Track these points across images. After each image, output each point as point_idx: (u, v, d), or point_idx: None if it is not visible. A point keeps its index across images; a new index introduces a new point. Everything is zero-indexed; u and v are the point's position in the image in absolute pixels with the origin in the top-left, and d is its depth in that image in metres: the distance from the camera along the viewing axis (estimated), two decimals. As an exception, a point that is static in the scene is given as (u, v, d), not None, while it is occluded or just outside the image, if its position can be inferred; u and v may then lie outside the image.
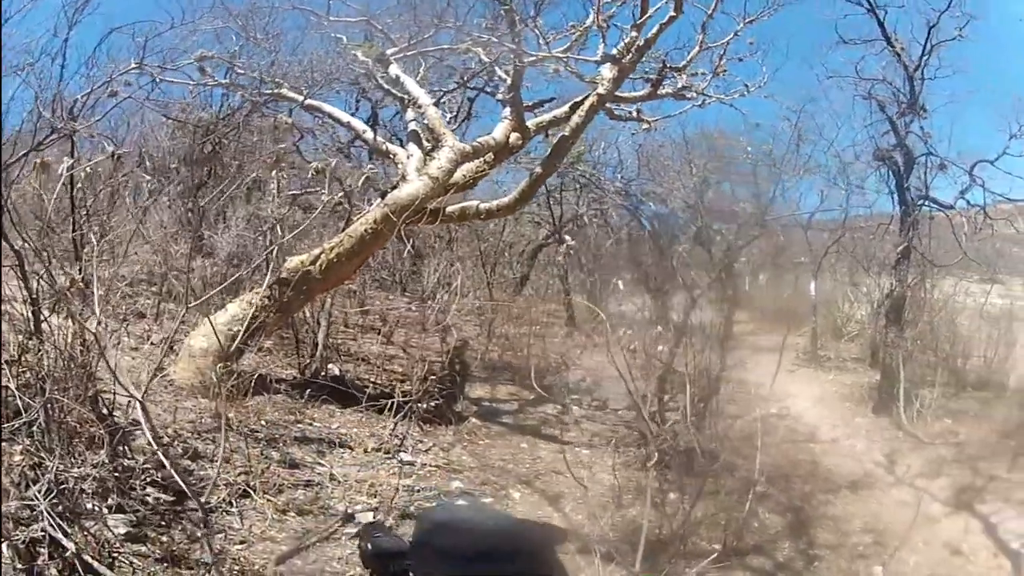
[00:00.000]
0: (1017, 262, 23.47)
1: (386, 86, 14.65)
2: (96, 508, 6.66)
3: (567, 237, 18.99)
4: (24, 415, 6.56)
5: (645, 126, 14.91)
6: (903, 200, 17.51)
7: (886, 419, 15.44)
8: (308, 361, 12.63)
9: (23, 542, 5.66)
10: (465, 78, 15.06)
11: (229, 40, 15.40)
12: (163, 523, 7.18)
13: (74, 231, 10.55)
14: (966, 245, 18.41)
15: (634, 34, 11.08)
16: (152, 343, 11.14)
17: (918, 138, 17.85)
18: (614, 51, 11.40)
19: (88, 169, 11.09)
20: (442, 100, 15.21)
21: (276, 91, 15.22)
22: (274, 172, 13.57)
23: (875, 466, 13.37)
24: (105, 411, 7.44)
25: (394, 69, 14.26)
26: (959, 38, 17.17)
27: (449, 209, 12.32)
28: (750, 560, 9.88)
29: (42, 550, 5.71)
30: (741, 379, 15.14)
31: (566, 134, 11.83)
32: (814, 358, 20.02)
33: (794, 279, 25.38)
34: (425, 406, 11.50)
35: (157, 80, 14.33)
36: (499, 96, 13.38)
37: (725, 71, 12.91)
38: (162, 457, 7.06)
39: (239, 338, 10.72)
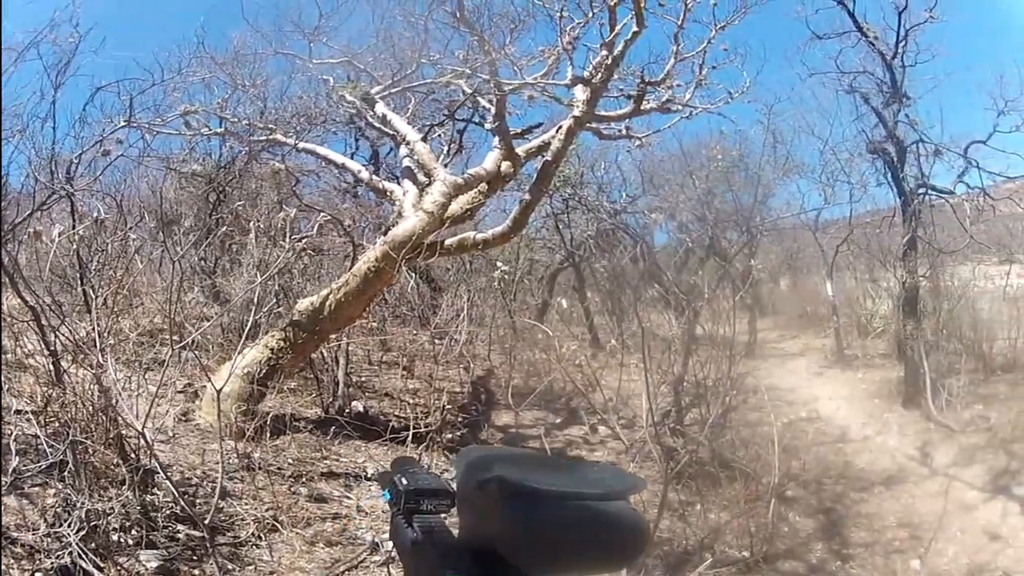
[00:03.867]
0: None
1: (376, 125, 15.05)
2: (125, 543, 7.01)
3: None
4: (49, 459, 6.96)
5: (637, 143, 15.06)
6: (901, 191, 17.47)
7: (916, 412, 15.48)
8: (331, 399, 12.85)
9: (52, 570, 6.03)
10: (451, 111, 15.37)
11: (218, 89, 15.87)
12: (195, 558, 7.50)
13: (83, 285, 10.88)
14: (971, 228, 18.33)
15: (604, 53, 11.27)
16: (178, 390, 11.47)
17: (907, 126, 17.96)
18: (584, 72, 11.62)
19: (81, 232, 11.39)
20: (434, 134, 15.59)
21: (269, 137, 15.60)
22: (251, 223, 13.87)
23: (907, 460, 13.46)
24: (132, 453, 7.75)
25: (380, 107, 14.56)
26: (931, 20, 17.22)
27: (448, 242, 12.46)
28: (781, 564, 10.15)
29: (73, 582, 6.09)
30: (769, 386, 15.24)
31: (548, 159, 11.99)
32: (841, 358, 20.15)
33: (814, 282, 25.48)
34: (449, 435, 11.80)
35: (147, 136, 14.78)
36: (487, 126, 13.61)
37: (705, 80, 13.02)
38: (172, 488, 7.44)
39: (257, 380, 11.05)
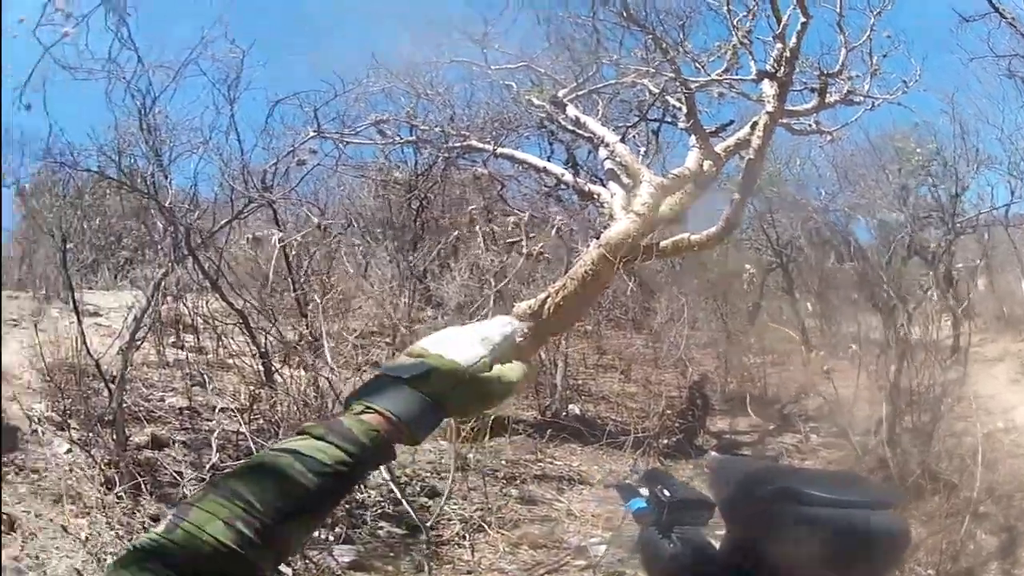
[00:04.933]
0: None
1: (570, 127, 14.85)
2: (324, 538, 7.10)
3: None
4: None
5: (828, 138, 14.57)
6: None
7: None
8: (548, 402, 12.90)
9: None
10: (642, 111, 15.11)
11: (400, 99, 16.23)
12: (391, 555, 7.58)
13: (295, 291, 11.06)
14: None
15: (779, 45, 10.98)
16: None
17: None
18: (767, 67, 11.35)
19: (299, 239, 11.57)
20: (628, 135, 15.36)
21: (464, 143, 15.57)
22: (477, 227, 13.89)
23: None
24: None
25: (572, 110, 14.31)
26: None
27: (663, 244, 12.37)
28: (958, 585, 9.72)
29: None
30: (968, 393, 14.76)
31: (751, 157, 11.72)
32: (1042, 364, 19.21)
33: (1008, 281, 24.52)
34: (665, 441, 11.67)
35: (340, 145, 14.97)
36: (681, 125, 13.44)
37: (879, 69, 12.62)
38: (392, 486, 7.47)
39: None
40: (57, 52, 8.99)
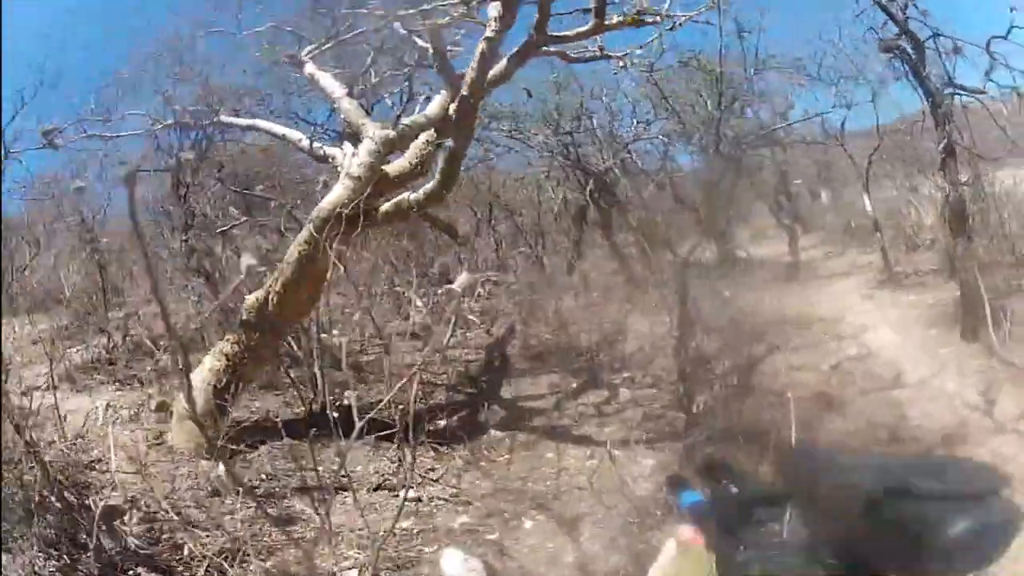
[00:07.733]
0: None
1: (309, 87, 14.55)
2: None
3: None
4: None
5: (620, 64, 13.82)
6: (927, 91, 16.39)
7: (975, 345, 13.81)
8: (313, 396, 12.21)
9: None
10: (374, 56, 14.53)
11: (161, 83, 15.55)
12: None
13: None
14: (1012, 132, 17.33)
15: None
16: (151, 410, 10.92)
17: (918, 21, 16.83)
18: None
19: None
20: (356, 88, 14.79)
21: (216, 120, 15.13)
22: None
23: (970, 410, 12.28)
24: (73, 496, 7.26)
25: (309, 68, 13.79)
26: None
27: (383, 208, 11.53)
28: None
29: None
30: (812, 315, 14.37)
31: (464, 93, 10.69)
32: (891, 277, 19.25)
33: (850, 195, 24.59)
34: (444, 423, 11.12)
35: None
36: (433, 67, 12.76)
37: None
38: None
39: (219, 391, 10.52)
40: None
